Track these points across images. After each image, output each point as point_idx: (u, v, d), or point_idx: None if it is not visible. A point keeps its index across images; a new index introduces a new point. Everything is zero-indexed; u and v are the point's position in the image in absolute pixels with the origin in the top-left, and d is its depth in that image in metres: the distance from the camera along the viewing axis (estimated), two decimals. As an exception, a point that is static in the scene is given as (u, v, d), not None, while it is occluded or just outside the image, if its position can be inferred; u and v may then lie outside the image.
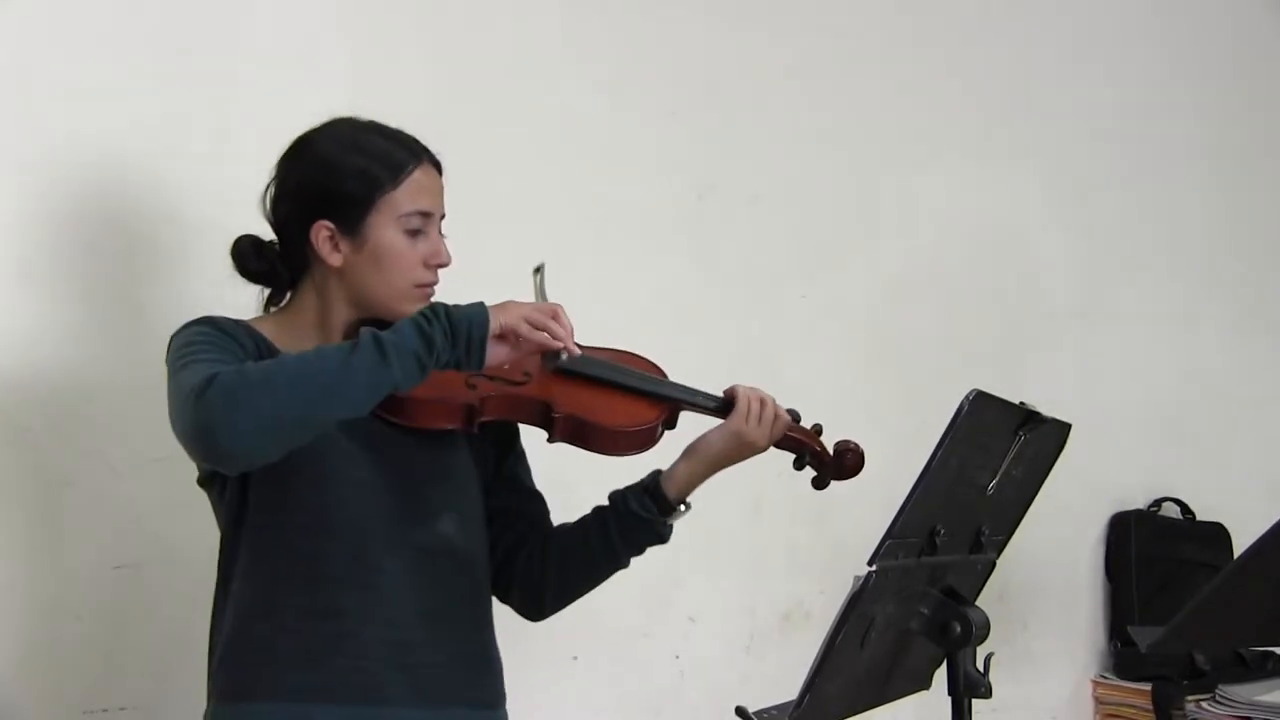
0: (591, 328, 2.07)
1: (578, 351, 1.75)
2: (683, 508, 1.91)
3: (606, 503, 1.93)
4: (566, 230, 2.63)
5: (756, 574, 3.00)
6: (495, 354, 1.70)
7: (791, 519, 3.00)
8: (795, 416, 1.96)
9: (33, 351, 2.14)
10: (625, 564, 1.94)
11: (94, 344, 2.13)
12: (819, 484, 1.97)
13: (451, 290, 1.92)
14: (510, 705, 1.90)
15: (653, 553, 1.97)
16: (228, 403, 1.57)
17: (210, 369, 1.61)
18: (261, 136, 1.89)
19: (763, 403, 1.89)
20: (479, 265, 2.24)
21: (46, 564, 2.14)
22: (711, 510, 2.24)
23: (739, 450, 1.90)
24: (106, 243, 2.21)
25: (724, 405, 1.91)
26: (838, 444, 1.96)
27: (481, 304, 1.70)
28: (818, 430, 1.98)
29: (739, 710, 1.83)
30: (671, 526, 1.92)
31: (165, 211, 2.19)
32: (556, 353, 1.74)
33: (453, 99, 2.61)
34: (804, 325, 3.13)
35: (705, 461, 1.90)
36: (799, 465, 1.97)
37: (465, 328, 1.66)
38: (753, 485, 1.95)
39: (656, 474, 1.91)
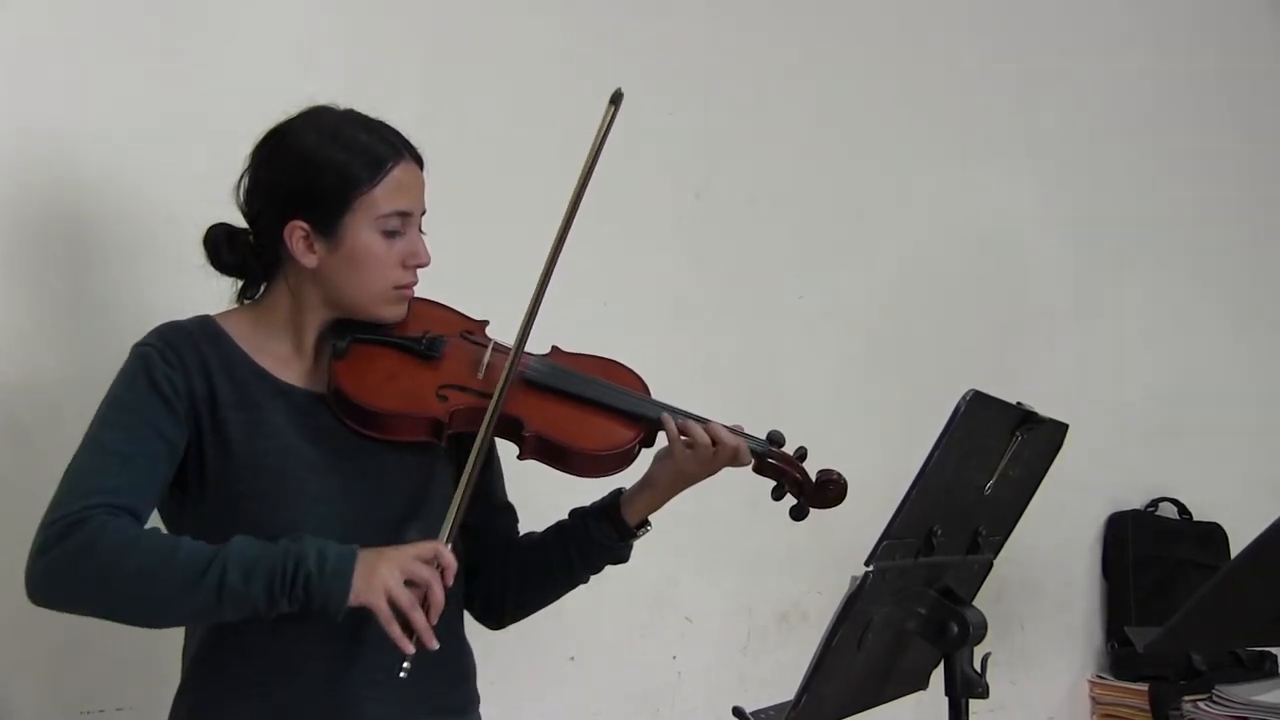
0: (589, 327, 2.07)
1: (434, 645, 1.63)
2: (641, 531, 1.90)
3: (567, 519, 1.91)
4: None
5: (753, 574, 3.00)
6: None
7: (788, 519, 3.00)
8: (779, 439, 1.91)
9: (30, 350, 2.14)
10: (585, 581, 1.93)
11: (92, 342, 2.12)
12: (798, 514, 1.91)
13: (449, 292, 1.91)
14: (508, 705, 1.90)
15: (650, 553, 1.97)
16: (62, 577, 1.60)
17: (84, 506, 1.60)
18: (257, 137, 1.87)
19: (711, 442, 1.83)
20: (474, 266, 2.25)
21: (44, 564, 2.13)
22: (709, 511, 2.24)
23: (685, 483, 1.88)
24: (105, 242, 2.20)
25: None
26: (820, 473, 1.90)
27: (348, 574, 1.60)
28: (801, 455, 1.92)
29: (736, 710, 1.83)
30: (630, 547, 1.91)
31: (164, 212, 2.18)
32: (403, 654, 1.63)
33: (448, 100, 2.61)
34: (801, 326, 3.13)
35: (664, 492, 1.88)
36: (778, 494, 1.91)
37: (321, 601, 1.60)
38: (750, 485, 1.94)
39: (617, 495, 1.89)
